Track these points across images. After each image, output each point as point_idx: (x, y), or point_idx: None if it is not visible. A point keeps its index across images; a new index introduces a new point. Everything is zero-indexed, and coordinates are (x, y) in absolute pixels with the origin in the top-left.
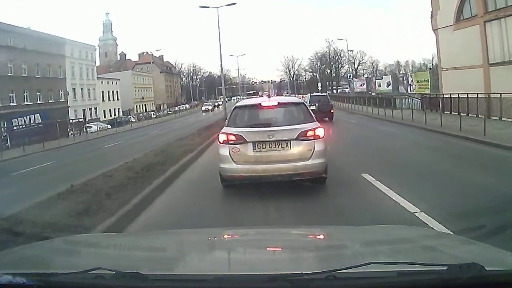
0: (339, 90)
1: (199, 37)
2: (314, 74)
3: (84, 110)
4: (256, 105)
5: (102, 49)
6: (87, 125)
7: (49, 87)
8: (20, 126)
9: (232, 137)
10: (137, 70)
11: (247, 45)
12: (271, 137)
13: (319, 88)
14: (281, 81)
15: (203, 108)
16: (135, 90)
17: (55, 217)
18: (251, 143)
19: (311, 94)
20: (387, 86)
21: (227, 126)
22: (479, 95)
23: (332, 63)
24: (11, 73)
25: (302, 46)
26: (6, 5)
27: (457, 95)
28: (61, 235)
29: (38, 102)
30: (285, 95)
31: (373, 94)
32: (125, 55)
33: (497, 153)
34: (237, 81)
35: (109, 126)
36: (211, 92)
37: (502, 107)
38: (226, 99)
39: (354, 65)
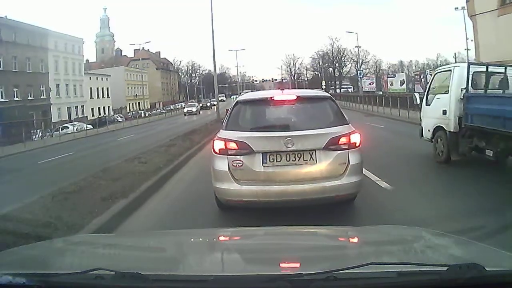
0: (342, 90)
1: (198, 34)
2: (316, 73)
3: (69, 108)
4: (267, 100)
5: (99, 45)
6: (64, 125)
7: (28, 82)
8: None
9: (232, 145)
10: (132, 66)
11: (248, 43)
12: (289, 145)
13: (323, 87)
14: (282, 80)
15: (185, 110)
16: (128, 87)
17: None
18: (260, 154)
19: None
20: (401, 85)
21: (225, 129)
22: None
23: (335, 62)
24: None
25: (303, 44)
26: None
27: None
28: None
29: (15, 99)
30: None
31: (379, 93)
32: (121, 51)
33: None
34: (237, 79)
35: (89, 127)
36: (210, 90)
37: None
38: (224, 98)
39: (358, 64)
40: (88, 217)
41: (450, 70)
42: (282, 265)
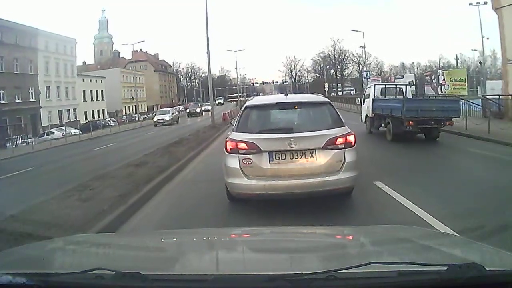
0: (344, 92)
1: (198, 36)
2: (317, 75)
3: (60, 111)
4: (272, 105)
5: (98, 48)
6: (50, 130)
7: (16, 84)
8: None
9: (242, 145)
10: (130, 68)
11: (248, 45)
12: (292, 145)
13: (326, 89)
14: (283, 82)
15: (155, 119)
16: (124, 90)
17: None
18: (267, 153)
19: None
20: (410, 87)
21: (236, 131)
22: None
23: (336, 64)
24: None
25: (304, 46)
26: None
27: None
28: None
29: (1, 101)
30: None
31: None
32: (119, 53)
33: None
34: (236, 81)
35: (76, 132)
36: (207, 93)
37: None
38: (222, 102)
39: (362, 65)
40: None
41: (371, 87)
42: (282, 265)
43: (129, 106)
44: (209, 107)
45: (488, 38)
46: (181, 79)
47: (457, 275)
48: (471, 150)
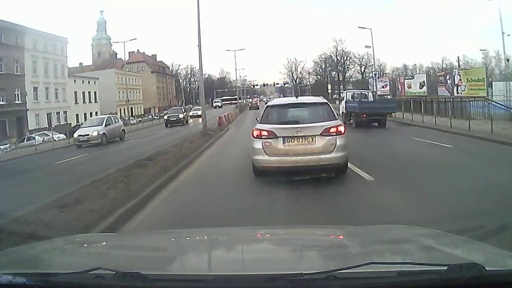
0: None
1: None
2: (319, 77)
3: (49, 114)
4: (286, 105)
5: (96, 49)
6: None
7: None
8: None
9: (264, 133)
10: (127, 69)
11: (249, 47)
12: (299, 132)
13: (329, 91)
14: (284, 84)
15: (76, 135)
16: (119, 91)
17: None
18: (281, 138)
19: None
20: (420, 88)
21: (260, 123)
22: None
23: (338, 65)
24: None
25: (305, 48)
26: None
27: None
28: None
29: None
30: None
31: (389, 96)
32: (116, 54)
33: None
34: (236, 82)
35: (60, 137)
36: (208, 95)
37: None
38: (220, 104)
39: (361, 68)
40: None
41: (344, 93)
42: (282, 265)
43: (124, 108)
44: (199, 112)
45: (508, 35)
46: (180, 81)
47: (457, 275)
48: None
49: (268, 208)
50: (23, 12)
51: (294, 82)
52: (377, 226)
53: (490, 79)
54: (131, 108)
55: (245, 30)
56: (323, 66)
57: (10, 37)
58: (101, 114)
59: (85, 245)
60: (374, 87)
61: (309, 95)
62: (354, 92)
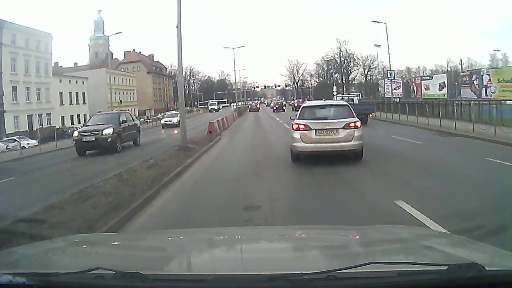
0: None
1: (197, 40)
2: (321, 79)
3: (30, 116)
4: (317, 106)
5: (93, 49)
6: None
7: None
8: None
9: (302, 126)
10: (122, 69)
11: (249, 49)
12: (327, 126)
13: (334, 93)
14: (286, 86)
15: (163, 121)
16: (111, 92)
17: None
18: (314, 130)
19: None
20: (440, 90)
21: (298, 119)
22: None
23: (342, 67)
24: None
25: (307, 50)
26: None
27: None
28: None
29: None
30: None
31: (398, 99)
32: (112, 54)
33: None
34: (234, 81)
35: (32, 143)
36: (208, 97)
37: None
38: (216, 108)
39: (365, 70)
40: None
41: (336, 95)
42: (282, 264)
43: (116, 110)
44: (174, 119)
45: None
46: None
47: (457, 275)
48: None
49: None
50: (21, 12)
51: (296, 85)
52: (377, 226)
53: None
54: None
55: (246, 32)
56: (326, 68)
57: None
58: (90, 116)
59: (85, 245)
60: (386, 89)
61: (311, 98)
62: (342, 96)
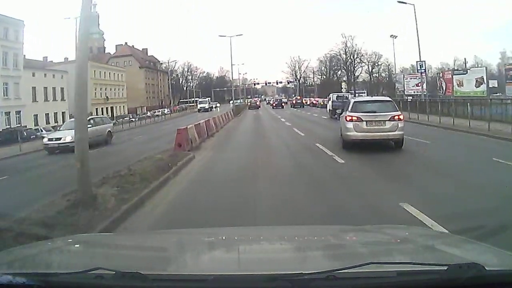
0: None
1: (196, 36)
2: (324, 76)
3: None
4: (366, 101)
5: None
6: None
7: None
8: None
9: (354, 118)
10: (112, 64)
11: (249, 44)
12: (375, 118)
13: (343, 90)
14: (288, 83)
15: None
16: (96, 88)
17: None
18: (365, 121)
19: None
20: (477, 86)
21: (350, 112)
22: None
23: (348, 63)
24: None
25: (308, 47)
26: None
27: None
28: None
29: None
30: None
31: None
32: (105, 48)
33: None
34: (234, 80)
35: None
36: (206, 94)
37: None
38: (207, 106)
39: (369, 67)
40: None
41: (331, 95)
42: (282, 264)
43: (102, 108)
44: (68, 137)
45: None
46: (178, 78)
47: (457, 275)
48: None
49: None
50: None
51: (298, 82)
52: (377, 226)
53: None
54: (112, 108)
55: (247, 28)
56: (329, 65)
57: None
58: (70, 114)
59: (85, 245)
60: (406, 85)
61: (314, 96)
62: (338, 94)
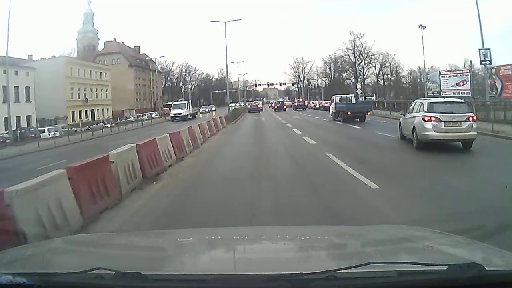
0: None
1: (196, 37)
2: (327, 79)
3: None
4: (443, 102)
5: (81, 43)
6: None
7: None
8: None
9: (433, 118)
10: (99, 62)
11: (250, 44)
12: (453, 119)
13: (359, 91)
14: (293, 84)
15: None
16: (73, 88)
17: None
18: (443, 122)
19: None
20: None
21: (427, 112)
22: None
23: (356, 64)
24: None
25: (311, 48)
26: None
27: None
28: None
29: None
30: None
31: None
32: (94, 46)
33: None
34: (238, 85)
35: None
36: (205, 97)
37: None
38: (213, 108)
39: (376, 69)
40: None
41: (334, 97)
42: (282, 264)
43: (80, 111)
44: None
45: None
46: (174, 79)
47: (457, 275)
48: None
49: None
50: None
51: (301, 84)
52: (377, 226)
53: None
54: (92, 111)
55: (246, 27)
56: (334, 66)
57: None
58: (37, 119)
59: (85, 245)
60: (443, 84)
61: (318, 99)
62: (341, 96)
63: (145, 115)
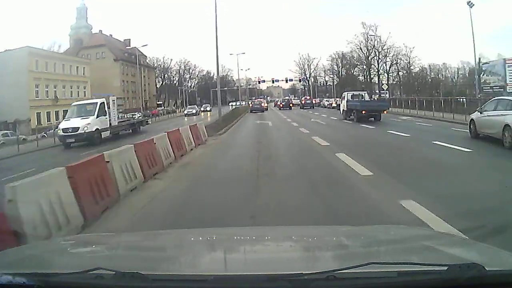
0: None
1: (195, 33)
2: (336, 76)
3: None
4: (499, 100)
5: (74, 39)
6: None
7: None
8: None
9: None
10: (82, 56)
11: (253, 40)
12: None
13: (386, 89)
14: (300, 80)
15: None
16: (39, 85)
17: None
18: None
19: None
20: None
21: (481, 112)
22: None
23: (370, 58)
24: None
25: (317, 44)
26: None
27: None
28: None
29: None
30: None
31: None
32: (82, 41)
33: None
34: (240, 83)
35: None
36: (205, 95)
37: None
38: (193, 111)
39: (386, 65)
40: None
41: (345, 93)
42: (282, 265)
43: (49, 112)
44: None
45: None
46: (172, 77)
47: (457, 275)
48: None
49: None
50: None
51: (307, 81)
52: (377, 226)
53: None
54: (64, 112)
55: (246, 28)
56: (342, 62)
57: None
58: None
59: (85, 245)
60: (507, 77)
61: (323, 96)
62: (353, 93)
63: (135, 115)
